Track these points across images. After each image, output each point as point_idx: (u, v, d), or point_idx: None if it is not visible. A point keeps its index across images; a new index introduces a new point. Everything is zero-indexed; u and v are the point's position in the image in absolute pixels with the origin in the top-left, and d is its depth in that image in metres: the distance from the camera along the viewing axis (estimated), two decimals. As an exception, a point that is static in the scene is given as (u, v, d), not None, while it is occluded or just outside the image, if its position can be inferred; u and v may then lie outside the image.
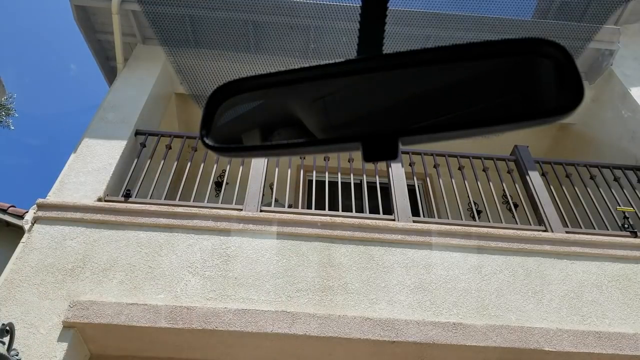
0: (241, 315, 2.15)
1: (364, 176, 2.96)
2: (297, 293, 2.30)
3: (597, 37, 3.28)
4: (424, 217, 2.92)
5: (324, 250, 2.48)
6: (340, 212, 2.68)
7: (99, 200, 2.66)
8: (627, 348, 2.20)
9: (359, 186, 3.31)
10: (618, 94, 3.72)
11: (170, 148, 3.06)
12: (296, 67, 0.35)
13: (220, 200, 2.91)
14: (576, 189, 3.03)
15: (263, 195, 2.78)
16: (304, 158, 3.27)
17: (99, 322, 2.11)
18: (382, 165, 3.20)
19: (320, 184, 3.29)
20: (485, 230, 2.61)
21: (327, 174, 3.03)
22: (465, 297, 2.35)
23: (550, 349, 2.14)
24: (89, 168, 2.83)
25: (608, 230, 2.78)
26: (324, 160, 3.10)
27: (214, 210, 2.59)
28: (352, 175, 3.01)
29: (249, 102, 0.39)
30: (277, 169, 3.01)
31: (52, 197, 2.63)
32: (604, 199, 2.98)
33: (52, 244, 2.42)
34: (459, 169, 3.08)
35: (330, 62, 0.35)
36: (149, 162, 2.99)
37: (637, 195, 3.08)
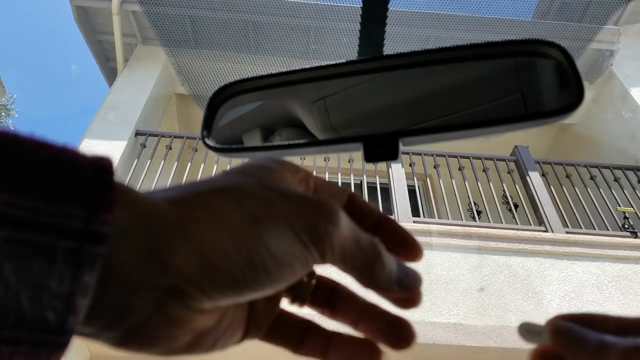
0: (241, 316, 2.15)
1: (364, 177, 2.96)
2: (298, 293, 2.31)
3: (597, 37, 3.28)
4: (424, 217, 2.92)
5: (324, 250, 2.48)
6: (340, 213, 2.67)
7: (100, 200, 2.66)
8: (628, 348, 2.20)
9: (359, 187, 3.30)
10: (618, 95, 3.72)
11: (170, 149, 3.06)
12: (297, 67, 0.35)
13: (220, 201, 2.91)
14: (576, 189, 3.03)
15: (263, 195, 2.78)
16: (304, 159, 3.27)
17: None
18: (382, 165, 3.19)
19: (321, 184, 3.27)
20: (485, 230, 2.61)
21: (327, 174, 3.03)
22: (465, 298, 2.35)
23: (551, 350, 2.14)
24: (90, 168, 2.83)
25: (608, 230, 2.78)
26: (324, 160, 3.10)
27: (214, 211, 2.58)
28: (352, 175, 3.01)
29: (250, 102, 0.39)
30: (277, 170, 3.00)
31: (52, 198, 2.63)
32: (604, 200, 2.98)
33: (52, 244, 2.42)
34: (459, 169, 3.08)
35: (331, 63, 0.35)
36: (149, 162, 2.99)
37: (638, 196, 3.08)
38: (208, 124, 0.35)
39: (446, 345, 2.16)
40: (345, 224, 0.18)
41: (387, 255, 0.20)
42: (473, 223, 2.72)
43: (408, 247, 0.21)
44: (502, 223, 2.71)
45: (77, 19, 3.58)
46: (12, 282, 0.12)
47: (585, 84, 2.60)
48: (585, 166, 3.21)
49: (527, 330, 0.21)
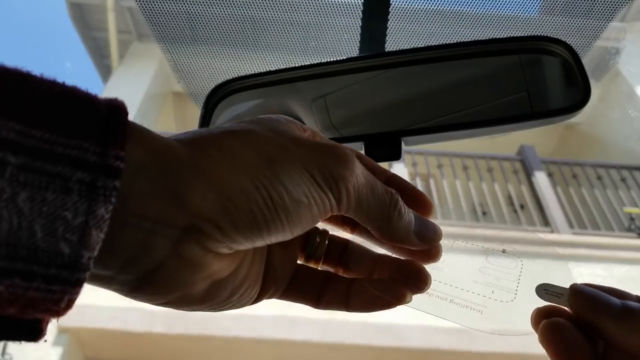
0: (239, 320, 2.10)
1: (366, 177, 2.91)
2: (297, 297, 2.26)
3: (603, 34, 3.22)
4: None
5: (324, 253, 2.44)
6: (341, 214, 2.63)
7: (94, 201, 2.62)
8: (637, 354, 2.16)
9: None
10: (625, 93, 3.68)
11: (167, 148, 3.00)
12: (296, 64, 0.35)
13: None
14: (583, 189, 3.00)
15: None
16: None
17: (94, 326, 2.08)
18: (383, 165, 3.15)
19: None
20: (490, 232, 2.56)
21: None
22: (469, 301, 2.31)
23: (558, 355, 2.10)
24: (84, 168, 2.79)
25: (615, 231, 2.75)
26: (325, 160, 3.04)
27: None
28: (353, 175, 2.96)
29: (248, 100, 0.39)
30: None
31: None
32: (610, 200, 2.95)
33: (45, 246, 2.38)
34: (464, 169, 3.04)
35: (331, 60, 0.34)
36: (145, 162, 2.94)
37: (644, 196, 3.04)
38: (205, 122, 0.35)
39: (450, 351, 2.12)
40: (359, 170, 0.18)
41: (404, 205, 0.20)
42: (477, 224, 2.68)
43: (420, 202, 0.21)
44: (507, 224, 2.67)
45: (71, 16, 3.52)
46: (26, 211, 0.12)
47: (592, 82, 2.54)
48: (591, 166, 3.18)
49: (545, 290, 0.21)
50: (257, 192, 0.16)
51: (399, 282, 0.21)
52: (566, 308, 0.20)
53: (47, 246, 0.12)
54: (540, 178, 2.97)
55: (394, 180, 0.22)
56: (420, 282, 0.21)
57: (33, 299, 0.12)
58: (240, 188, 0.15)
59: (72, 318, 2.01)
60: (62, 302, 0.13)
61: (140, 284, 0.15)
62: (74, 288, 0.13)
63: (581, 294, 0.19)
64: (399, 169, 2.95)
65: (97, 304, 2.16)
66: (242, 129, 0.17)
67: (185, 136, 0.17)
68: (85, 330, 2.09)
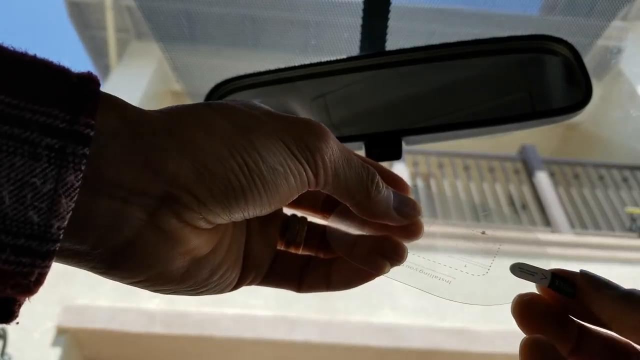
0: (238, 321, 2.10)
1: (366, 176, 2.90)
2: (297, 298, 2.25)
3: (605, 33, 3.20)
4: (427, 218, 2.87)
5: (324, 253, 2.43)
6: (341, 214, 2.62)
7: (93, 201, 2.60)
8: (638, 355, 2.15)
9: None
10: (627, 92, 3.66)
11: (166, 147, 2.99)
12: (296, 64, 0.35)
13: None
14: (584, 189, 2.99)
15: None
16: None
17: (93, 327, 2.08)
18: (384, 165, 3.14)
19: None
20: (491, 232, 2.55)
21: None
22: (470, 302, 2.30)
23: (559, 356, 2.09)
24: (83, 168, 2.78)
25: (616, 232, 2.74)
26: (325, 159, 3.03)
27: (211, 212, 2.53)
28: (353, 175, 2.95)
29: (247, 99, 0.37)
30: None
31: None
32: (612, 200, 2.93)
33: (43, 246, 2.37)
34: (465, 169, 3.03)
35: (332, 59, 0.34)
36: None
37: (646, 196, 3.03)
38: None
39: (451, 352, 2.11)
40: (334, 143, 0.18)
41: (382, 180, 0.20)
42: (478, 224, 2.67)
43: (396, 184, 0.22)
44: (508, 224, 2.66)
45: (70, 15, 3.51)
46: None
47: (593, 81, 2.53)
48: (593, 166, 3.17)
49: (520, 268, 0.21)
50: (233, 159, 0.16)
51: (378, 254, 0.21)
52: (537, 289, 0.20)
53: (15, 214, 0.12)
54: (542, 178, 2.96)
55: (369, 163, 0.22)
56: (397, 254, 0.21)
57: (2, 273, 0.12)
58: (216, 155, 0.15)
59: (71, 319, 1.99)
60: (32, 276, 0.12)
61: (117, 258, 0.15)
62: (44, 261, 0.12)
63: (589, 276, 0.19)
64: (399, 168, 2.93)
65: (96, 305, 2.15)
66: (218, 102, 0.18)
67: (161, 109, 0.17)
68: (84, 331, 2.09)
